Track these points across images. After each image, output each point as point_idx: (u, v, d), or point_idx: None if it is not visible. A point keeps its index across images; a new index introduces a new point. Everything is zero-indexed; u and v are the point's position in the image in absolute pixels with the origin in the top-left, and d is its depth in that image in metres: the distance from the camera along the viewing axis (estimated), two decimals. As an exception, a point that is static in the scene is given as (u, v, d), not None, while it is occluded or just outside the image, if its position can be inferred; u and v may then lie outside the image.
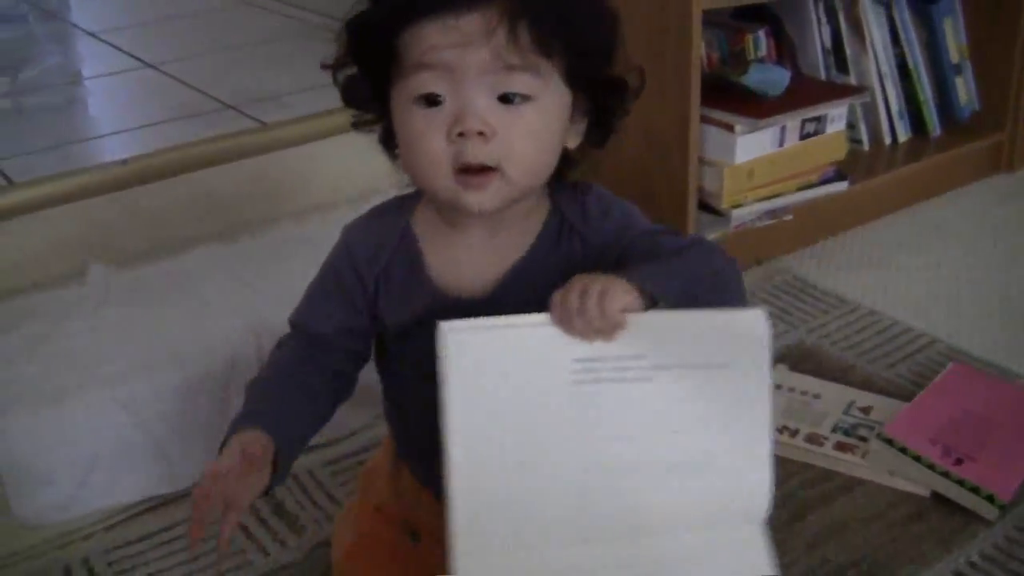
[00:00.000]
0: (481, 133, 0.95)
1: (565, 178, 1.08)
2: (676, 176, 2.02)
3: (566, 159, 1.06)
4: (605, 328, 0.87)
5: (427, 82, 0.96)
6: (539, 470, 0.93)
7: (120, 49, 2.96)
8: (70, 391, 1.53)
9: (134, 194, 1.91)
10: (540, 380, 0.91)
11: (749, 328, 0.90)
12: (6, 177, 1.97)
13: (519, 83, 0.95)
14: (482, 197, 0.99)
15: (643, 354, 0.90)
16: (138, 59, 2.82)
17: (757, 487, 0.97)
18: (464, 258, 1.08)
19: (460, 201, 1.00)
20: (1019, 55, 2.52)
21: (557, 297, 0.88)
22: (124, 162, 1.92)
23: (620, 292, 0.87)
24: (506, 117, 0.96)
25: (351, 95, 1.06)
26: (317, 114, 2.09)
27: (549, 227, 1.07)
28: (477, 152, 0.97)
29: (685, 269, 0.97)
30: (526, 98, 0.96)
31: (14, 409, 1.49)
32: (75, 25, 3.39)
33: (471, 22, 0.93)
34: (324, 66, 1.04)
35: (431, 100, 0.97)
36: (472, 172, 0.98)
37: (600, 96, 1.04)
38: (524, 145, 0.98)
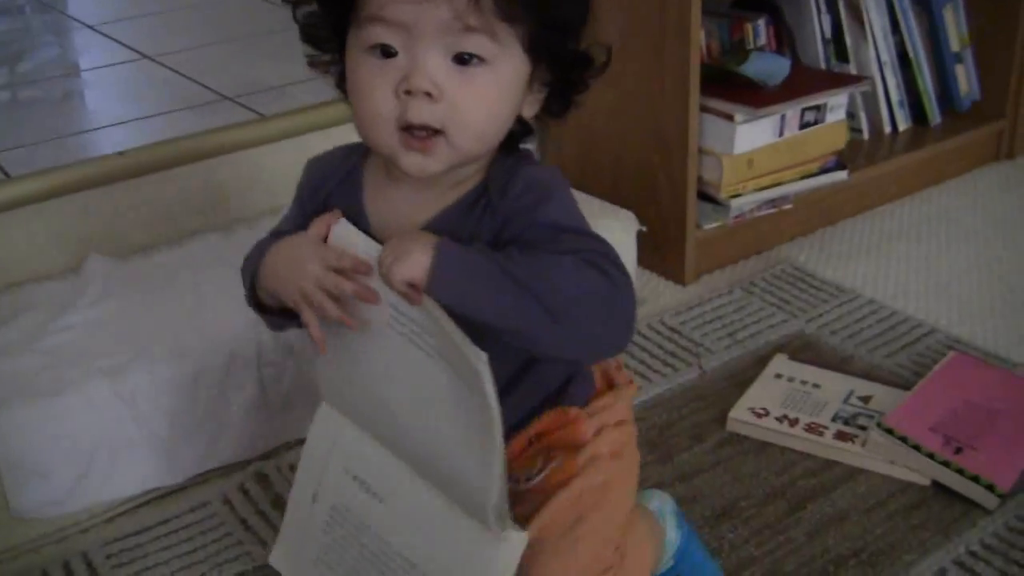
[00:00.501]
0: (428, 94, 0.93)
1: (514, 147, 1.05)
2: (676, 166, 2.02)
3: (523, 127, 1.04)
4: (391, 286, 0.92)
5: (381, 34, 0.94)
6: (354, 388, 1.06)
7: (117, 41, 2.94)
8: (69, 384, 1.52)
9: (132, 186, 1.90)
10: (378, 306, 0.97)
11: (473, 366, 0.89)
12: (3, 171, 1.96)
13: (475, 44, 0.93)
14: (423, 161, 0.97)
15: (430, 333, 0.94)
16: (136, 51, 2.81)
17: (483, 502, 0.95)
18: (388, 210, 1.05)
19: (399, 160, 0.97)
20: (1020, 43, 2.53)
21: (390, 241, 0.94)
22: (122, 154, 1.91)
23: (407, 264, 0.91)
24: (457, 78, 0.94)
25: (309, 33, 1.04)
26: (315, 105, 2.08)
27: (469, 195, 1.02)
28: (422, 112, 0.94)
29: (518, 276, 0.91)
30: (481, 60, 0.94)
31: (12, 402, 1.48)
32: (72, 17, 3.38)
33: None
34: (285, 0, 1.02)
35: (385, 51, 0.95)
36: (415, 133, 0.96)
37: (562, 69, 1.01)
38: (473, 109, 0.95)
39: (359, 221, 1.05)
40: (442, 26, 0.92)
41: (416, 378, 0.97)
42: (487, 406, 0.89)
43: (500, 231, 0.98)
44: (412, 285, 0.91)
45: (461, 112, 0.95)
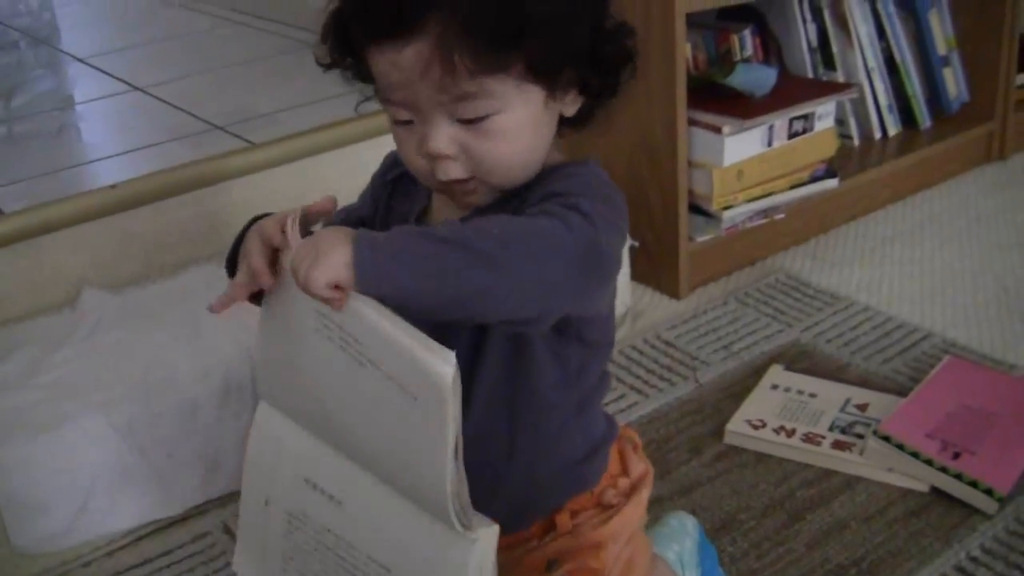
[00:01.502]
0: (447, 155, 0.96)
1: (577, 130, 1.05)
2: (666, 179, 2.02)
3: (577, 118, 1.04)
4: (312, 295, 0.84)
5: (396, 112, 0.97)
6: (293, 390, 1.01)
7: (108, 73, 2.96)
8: (66, 418, 1.52)
9: (125, 219, 1.90)
10: (301, 311, 0.92)
11: (434, 372, 0.83)
12: (-2, 207, 1.98)
13: (472, 108, 0.94)
14: (470, 198, 1.00)
15: (357, 339, 0.88)
16: (126, 82, 2.82)
17: (443, 505, 0.90)
18: (441, 202, 1.07)
19: (452, 199, 1.01)
20: (1006, 44, 2.53)
21: (298, 246, 0.86)
22: (113, 187, 1.92)
23: (328, 266, 0.83)
24: (471, 135, 0.95)
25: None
26: (305, 132, 2.09)
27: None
28: (448, 170, 0.96)
29: (444, 235, 0.86)
30: (488, 115, 0.94)
31: (10, 438, 1.49)
32: (64, 51, 3.40)
33: (409, 57, 0.91)
34: (319, 63, 1.02)
35: (404, 121, 0.97)
36: (452, 185, 0.98)
37: (581, 72, 1.00)
38: (495, 157, 0.96)
39: (409, 206, 1.08)
40: (434, 99, 0.93)
41: (351, 384, 0.92)
42: (440, 408, 0.84)
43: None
44: (335, 287, 0.84)
45: (485, 162, 0.96)
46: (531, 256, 0.87)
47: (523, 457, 1.07)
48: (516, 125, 0.96)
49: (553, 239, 0.88)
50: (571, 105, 1.02)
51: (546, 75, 0.95)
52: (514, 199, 1.01)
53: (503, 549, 0.93)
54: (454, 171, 0.97)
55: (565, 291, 0.91)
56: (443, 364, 0.82)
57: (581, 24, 0.96)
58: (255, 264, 0.96)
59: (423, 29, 0.90)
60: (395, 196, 1.13)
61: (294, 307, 0.94)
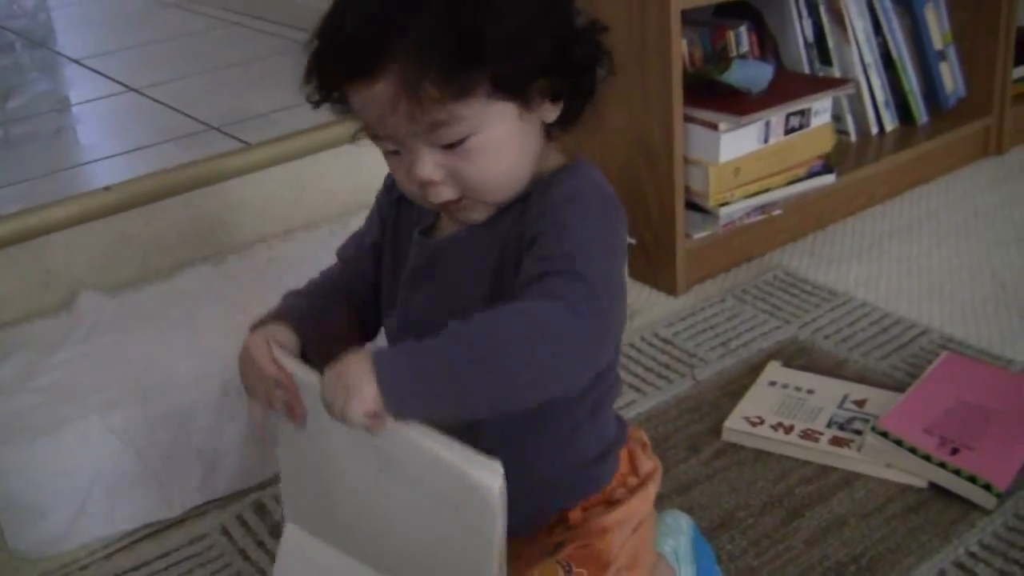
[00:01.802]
0: (435, 180, 0.98)
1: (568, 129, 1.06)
2: (663, 177, 2.02)
3: (563, 120, 1.05)
4: (353, 426, 0.89)
5: (382, 143, 1.00)
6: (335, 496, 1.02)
7: (105, 75, 2.96)
8: (63, 421, 1.52)
9: (121, 220, 1.90)
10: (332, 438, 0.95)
11: (483, 485, 0.86)
12: (-6, 209, 1.97)
13: (446, 135, 0.96)
14: (467, 215, 1.03)
15: (395, 459, 0.91)
16: (122, 83, 2.82)
17: None
18: (447, 217, 1.09)
19: (451, 218, 1.04)
20: (1002, 38, 2.53)
21: (322, 384, 0.91)
22: (108, 189, 1.92)
23: (361, 401, 0.87)
24: (453, 159, 0.97)
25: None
26: (301, 132, 2.09)
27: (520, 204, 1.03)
28: (439, 194, 1.00)
29: (473, 362, 0.88)
30: (466, 137, 0.96)
31: (8, 442, 1.49)
32: (60, 53, 3.39)
33: (378, 93, 0.94)
34: (308, 100, 1.03)
35: (391, 151, 1.01)
36: (446, 203, 1.01)
37: (551, 80, 1.00)
38: (481, 176, 0.99)
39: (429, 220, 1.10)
40: (412, 131, 0.96)
41: (389, 504, 0.95)
42: (488, 520, 0.87)
43: (526, 232, 1.00)
44: (371, 415, 0.88)
45: (471, 182, 0.99)
46: (546, 354, 0.89)
47: (537, 460, 1.08)
48: (495, 143, 0.98)
49: (563, 331, 0.89)
50: (550, 111, 1.03)
51: (513, 91, 0.97)
52: (513, 210, 1.02)
53: (512, 542, 0.94)
54: (445, 194, 1.00)
55: (583, 368, 0.93)
56: (491, 477, 0.85)
57: (542, 35, 0.97)
58: (268, 407, 1.01)
59: (387, 67, 0.92)
60: (402, 214, 1.15)
61: (322, 435, 0.96)
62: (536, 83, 0.98)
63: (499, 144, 0.98)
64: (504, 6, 0.93)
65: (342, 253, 1.21)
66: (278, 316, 1.09)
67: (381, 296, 1.16)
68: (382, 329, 1.18)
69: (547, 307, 0.90)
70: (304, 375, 0.96)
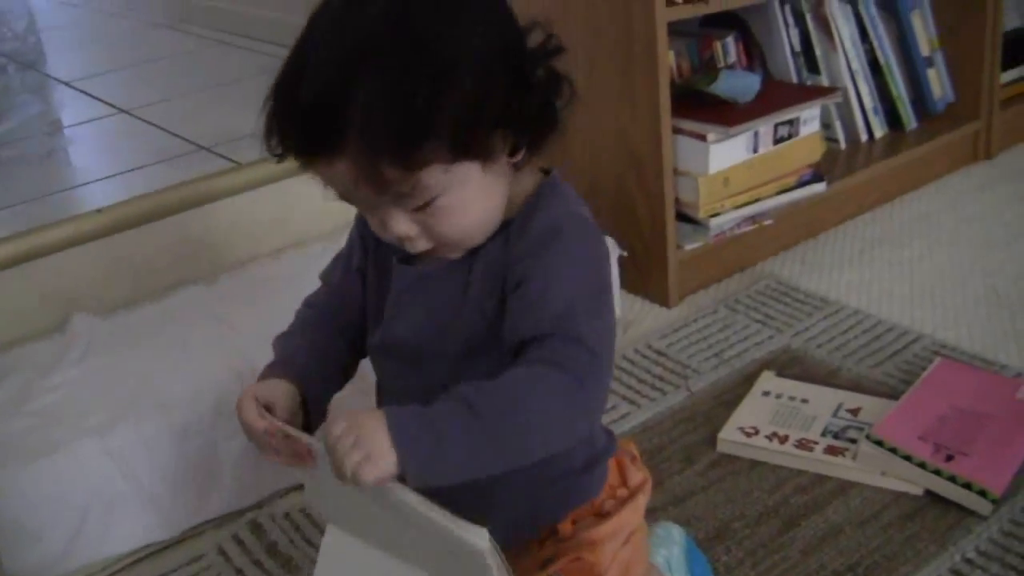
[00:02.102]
0: (409, 236, 1.00)
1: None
2: (652, 189, 2.02)
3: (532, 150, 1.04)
4: (358, 485, 0.90)
5: (357, 207, 1.04)
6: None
7: (95, 96, 2.96)
8: (58, 444, 1.52)
9: (112, 242, 1.90)
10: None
11: (471, 547, 0.89)
12: (-15, 233, 1.98)
13: (412, 201, 0.96)
14: (447, 254, 1.04)
15: (398, 505, 0.92)
16: (112, 105, 2.82)
17: None
18: None
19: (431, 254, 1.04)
20: (989, 43, 2.54)
21: (330, 436, 0.90)
22: (99, 211, 1.92)
23: (378, 467, 0.88)
24: (424, 216, 0.98)
25: None
26: (291, 150, 2.09)
27: (503, 234, 1.04)
28: (416, 245, 1.01)
29: (488, 435, 0.92)
30: (431, 200, 0.97)
31: (3, 465, 1.48)
32: (50, 75, 3.40)
33: (338, 172, 0.94)
34: (271, 154, 1.03)
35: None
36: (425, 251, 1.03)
37: (511, 131, 0.99)
38: (452, 230, 1.00)
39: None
40: (379, 201, 0.97)
41: (398, 534, 0.98)
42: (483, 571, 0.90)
43: (510, 268, 1.01)
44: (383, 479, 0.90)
45: (444, 236, 1.00)
46: (557, 426, 0.95)
47: (524, 468, 1.06)
48: (462, 200, 0.98)
49: (571, 403, 0.95)
50: (515, 153, 1.02)
51: (472, 154, 0.96)
52: (495, 239, 1.04)
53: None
54: (421, 245, 1.01)
55: (587, 425, 1.03)
56: (479, 541, 0.89)
57: (494, 93, 0.95)
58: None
59: (341, 150, 0.92)
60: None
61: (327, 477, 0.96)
62: (495, 136, 0.97)
63: (466, 200, 0.98)
64: (451, 71, 0.92)
65: (327, 277, 1.21)
66: (272, 369, 1.11)
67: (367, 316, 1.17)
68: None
69: (555, 381, 0.93)
70: (295, 433, 0.99)
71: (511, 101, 0.96)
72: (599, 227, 1.07)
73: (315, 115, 0.92)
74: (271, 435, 1.01)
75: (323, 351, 1.14)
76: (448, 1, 0.95)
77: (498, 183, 1.01)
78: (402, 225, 0.99)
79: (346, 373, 1.17)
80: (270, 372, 1.10)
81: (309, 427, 1.09)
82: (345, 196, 0.99)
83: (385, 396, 1.15)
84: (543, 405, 0.93)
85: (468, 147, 0.94)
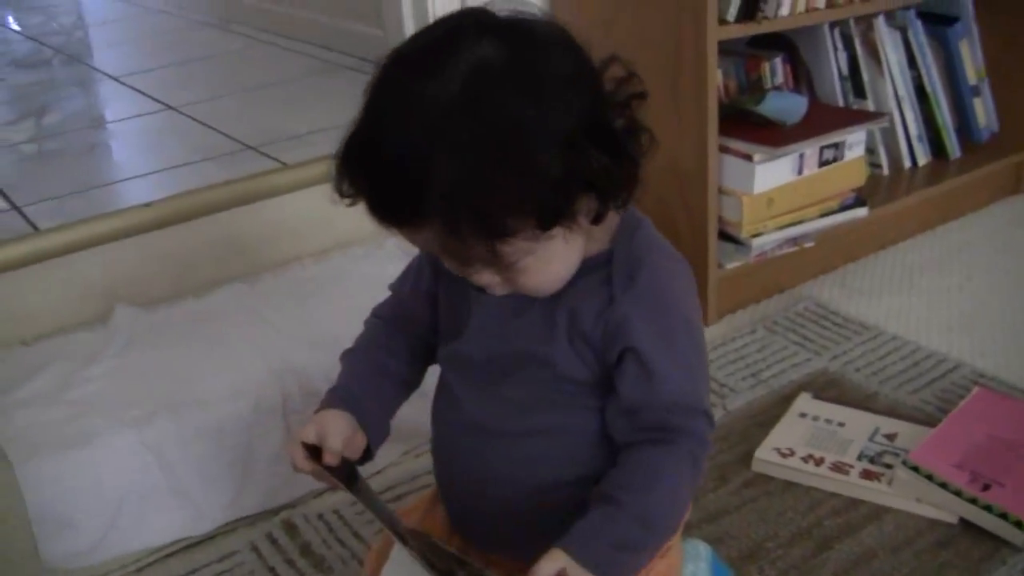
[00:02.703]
0: (491, 286, 1.02)
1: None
2: (696, 206, 2.03)
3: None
4: None
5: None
6: None
7: (141, 92, 2.98)
8: (96, 435, 1.54)
9: (158, 237, 1.92)
10: None
11: None
12: (31, 223, 1.99)
13: (494, 266, 0.98)
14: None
15: None
16: (160, 102, 2.85)
17: None
18: None
19: None
20: (1036, 74, 2.53)
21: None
22: (148, 205, 1.93)
23: None
24: (509, 275, 1.00)
25: None
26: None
27: (593, 260, 1.06)
28: (496, 291, 1.03)
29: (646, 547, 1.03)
30: (514, 262, 0.97)
31: (41, 454, 1.50)
32: (97, 69, 3.43)
33: (424, 239, 0.95)
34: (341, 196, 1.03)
35: None
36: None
37: (599, 196, 0.99)
38: (534, 285, 1.01)
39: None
40: (464, 263, 0.98)
41: None
42: None
43: (614, 324, 1.03)
44: None
45: (527, 289, 1.02)
46: (692, 490, 1.06)
47: (573, 493, 1.09)
48: (545, 260, 0.99)
49: (699, 468, 1.05)
50: (600, 217, 1.02)
51: (556, 225, 0.96)
52: (597, 273, 1.05)
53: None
54: (501, 291, 1.03)
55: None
56: None
57: (578, 172, 0.94)
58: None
59: (422, 226, 0.93)
60: None
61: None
62: (579, 203, 0.97)
63: (549, 259, 0.99)
64: (535, 156, 0.91)
65: (397, 289, 1.22)
66: (332, 396, 1.15)
67: (439, 330, 1.18)
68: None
69: (688, 460, 1.03)
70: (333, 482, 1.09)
71: (597, 174, 0.96)
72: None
73: (395, 191, 0.92)
74: (317, 475, 1.09)
75: (384, 371, 1.18)
76: (529, 74, 0.93)
77: (579, 238, 1.01)
78: (485, 278, 1.00)
79: (409, 387, 1.22)
80: (328, 400, 1.15)
81: (369, 448, 1.14)
82: (431, 253, 1.02)
83: (448, 398, 1.17)
84: (689, 488, 1.04)
85: (553, 223, 0.95)
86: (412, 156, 0.90)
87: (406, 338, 1.20)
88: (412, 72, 0.93)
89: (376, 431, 1.15)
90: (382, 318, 1.22)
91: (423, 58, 0.94)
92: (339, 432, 1.10)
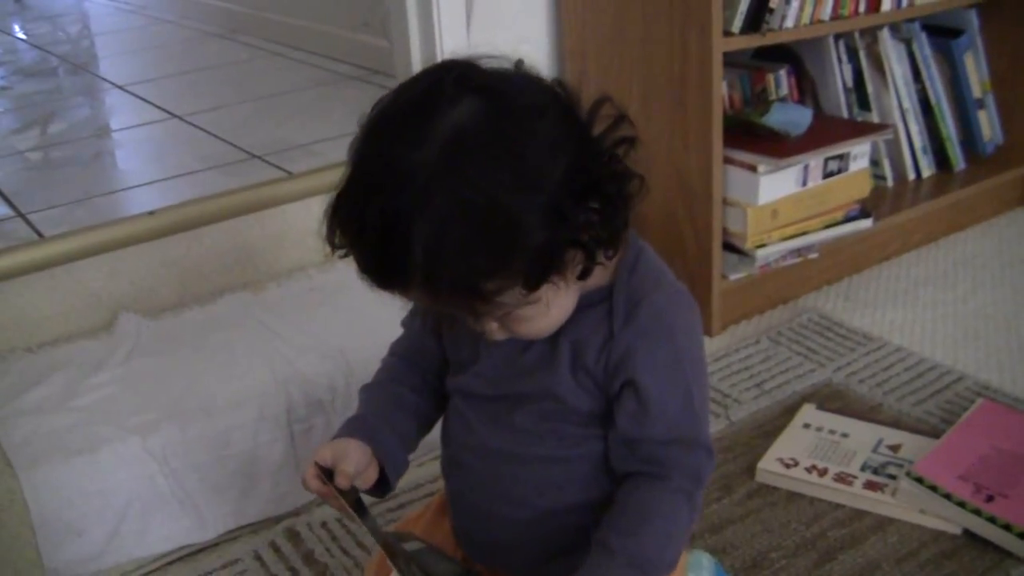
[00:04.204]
0: (490, 331, 1.03)
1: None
2: (701, 217, 2.03)
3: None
4: None
5: None
6: None
7: (147, 101, 2.99)
8: (101, 442, 1.54)
9: (163, 245, 1.93)
10: None
11: None
12: (36, 231, 2.00)
13: (492, 313, 0.98)
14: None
15: None
16: (165, 110, 2.85)
17: None
18: None
19: None
20: (1041, 87, 2.53)
21: None
22: (152, 214, 1.94)
23: None
24: (505, 322, 1.01)
25: None
26: (342, 162, 2.10)
27: (594, 295, 1.06)
28: (495, 336, 1.04)
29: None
30: (510, 311, 0.98)
31: (46, 460, 1.50)
32: (103, 78, 3.44)
33: (414, 297, 0.97)
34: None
35: None
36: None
37: (587, 250, 0.98)
38: (531, 331, 1.03)
39: None
40: (458, 314, 1.02)
41: None
42: None
43: (616, 359, 1.05)
44: None
45: (526, 334, 1.03)
46: (689, 525, 1.07)
47: (564, 509, 1.12)
48: (539, 309, 1.00)
49: (696, 503, 1.06)
50: (588, 271, 1.01)
51: (546, 281, 0.96)
52: (598, 307, 1.06)
53: None
54: (499, 336, 1.03)
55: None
56: None
57: (562, 237, 0.94)
58: None
59: (411, 288, 0.94)
60: None
61: None
62: (568, 257, 0.96)
63: (543, 308, 1.00)
64: (518, 228, 0.91)
65: (407, 325, 1.24)
66: (347, 426, 1.17)
67: (449, 362, 1.19)
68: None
69: (682, 496, 1.05)
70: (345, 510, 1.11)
71: (583, 232, 0.95)
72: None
73: (379, 258, 0.92)
74: (327, 496, 1.12)
75: (401, 404, 1.20)
76: (508, 140, 0.92)
77: (574, 285, 1.01)
78: (481, 325, 1.01)
79: (429, 421, 1.23)
80: (347, 429, 1.16)
81: (385, 479, 1.16)
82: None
83: (459, 421, 1.18)
84: (684, 526, 1.06)
85: (539, 284, 0.95)
86: (393, 225, 0.90)
87: (422, 373, 1.21)
88: (391, 137, 0.93)
89: (394, 463, 1.16)
90: (397, 355, 1.24)
91: (403, 122, 0.93)
92: (355, 458, 1.12)
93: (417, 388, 1.21)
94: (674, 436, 1.05)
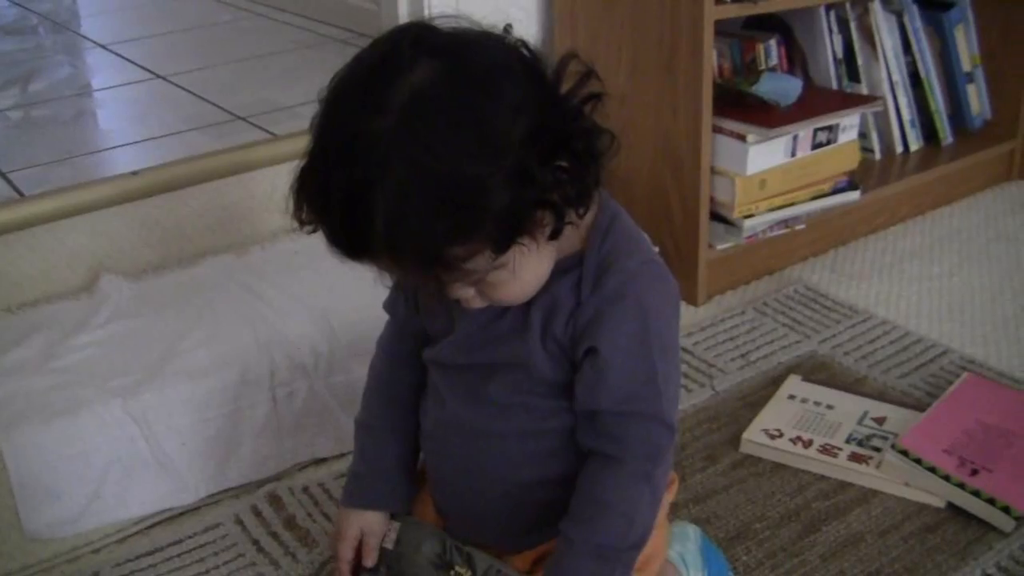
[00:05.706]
0: (466, 298, 1.02)
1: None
2: (688, 186, 2.02)
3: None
4: None
5: None
6: None
7: (130, 60, 2.96)
8: (81, 404, 1.52)
9: (145, 206, 1.90)
10: None
11: None
12: (17, 190, 1.97)
13: (464, 279, 0.97)
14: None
15: None
16: (148, 70, 2.82)
17: None
18: None
19: None
20: (1031, 62, 2.52)
21: None
22: (135, 174, 1.92)
23: None
24: (481, 288, 1.00)
25: None
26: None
27: (567, 260, 1.05)
28: (472, 304, 1.02)
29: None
30: (483, 275, 0.97)
31: (25, 422, 1.48)
32: (85, 37, 3.39)
33: (383, 266, 0.96)
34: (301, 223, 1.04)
35: None
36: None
37: (556, 209, 0.96)
38: (507, 295, 1.01)
39: None
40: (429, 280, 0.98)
41: None
42: None
43: (580, 327, 1.04)
44: None
45: (500, 300, 1.02)
46: (651, 505, 1.08)
47: (557, 476, 1.11)
48: (511, 272, 0.98)
49: (656, 484, 1.07)
50: (559, 231, 0.99)
51: (514, 244, 0.94)
52: (570, 274, 1.05)
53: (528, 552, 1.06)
54: (477, 303, 1.02)
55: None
56: None
57: (528, 200, 0.92)
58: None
59: (378, 257, 0.93)
60: None
61: None
62: (537, 217, 0.95)
63: (517, 271, 0.97)
64: (481, 194, 0.89)
65: (391, 310, 1.23)
66: (361, 489, 1.24)
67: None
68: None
69: (642, 479, 1.06)
70: None
71: (550, 192, 0.94)
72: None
73: (343, 228, 0.91)
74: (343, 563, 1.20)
75: (398, 431, 1.24)
76: (468, 101, 0.90)
77: (549, 245, 1.00)
78: (457, 291, 1.00)
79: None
80: (358, 494, 1.24)
81: None
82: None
83: (434, 396, 1.18)
84: (647, 505, 1.06)
85: (507, 247, 0.93)
86: (355, 196, 0.88)
87: (411, 371, 1.22)
88: (351, 106, 0.92)
89: (407, 501, 1.23)
90: (384, 352, 1.25)
91: (362, 89, 0.92)
92: (378, 532, 1.20)
93: (411, 398, 1.23)
94: (633, 409, 1.04)
